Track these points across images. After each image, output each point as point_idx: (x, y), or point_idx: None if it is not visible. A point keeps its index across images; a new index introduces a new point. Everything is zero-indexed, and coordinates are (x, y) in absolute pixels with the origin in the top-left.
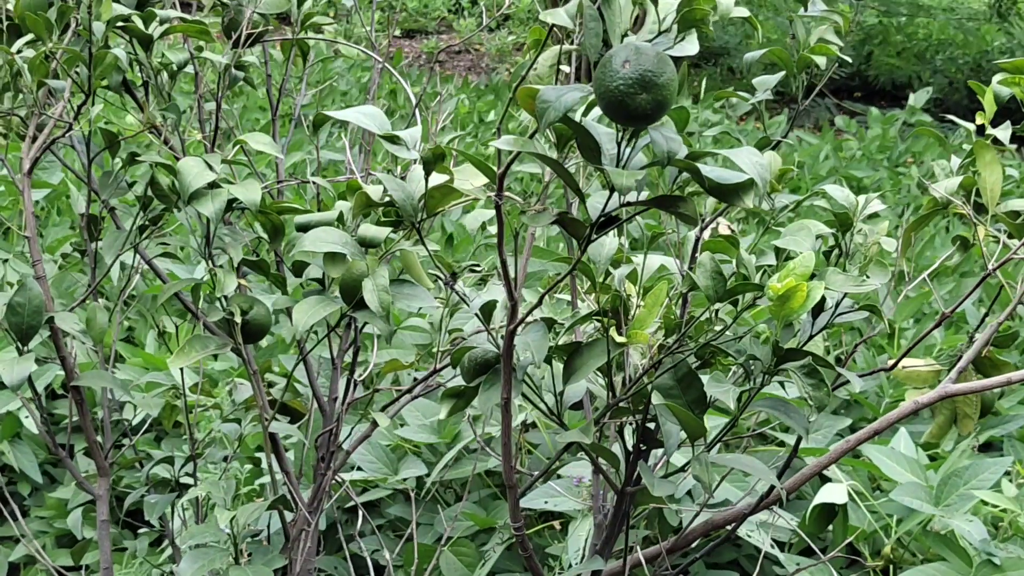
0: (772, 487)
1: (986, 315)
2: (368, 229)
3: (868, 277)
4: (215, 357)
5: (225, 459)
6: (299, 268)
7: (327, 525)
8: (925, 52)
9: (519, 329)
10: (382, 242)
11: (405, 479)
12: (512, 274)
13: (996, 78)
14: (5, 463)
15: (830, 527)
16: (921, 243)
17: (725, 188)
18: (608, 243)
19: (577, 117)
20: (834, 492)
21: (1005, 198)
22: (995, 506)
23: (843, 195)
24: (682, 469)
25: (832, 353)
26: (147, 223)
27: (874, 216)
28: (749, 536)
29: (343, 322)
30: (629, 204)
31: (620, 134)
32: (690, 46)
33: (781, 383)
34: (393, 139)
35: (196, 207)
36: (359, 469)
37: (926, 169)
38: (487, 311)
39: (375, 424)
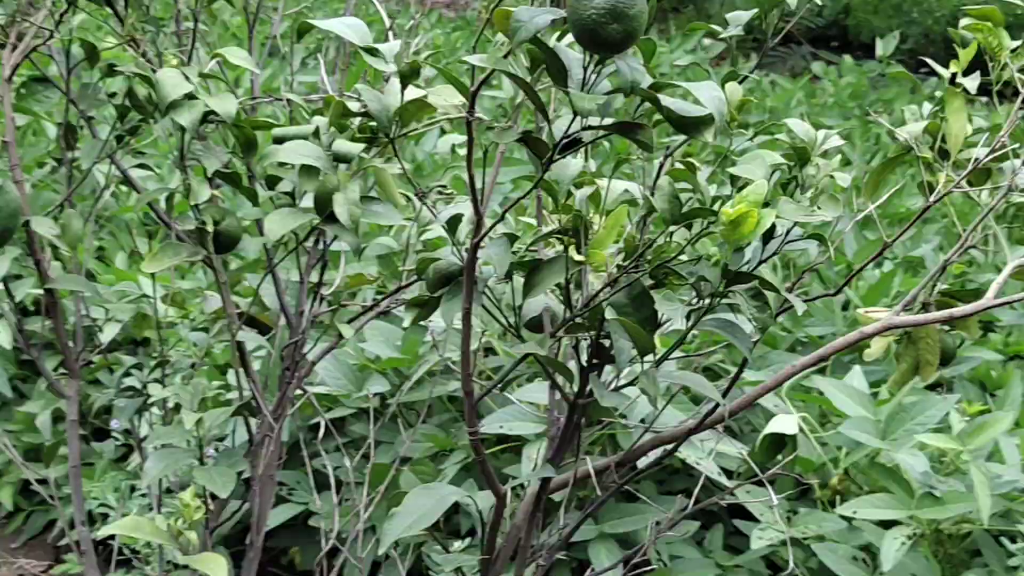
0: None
1: (946, 261)
2: (342, 144)
3: (819, 208)
4: (183, 276)
5: (192, 366)
6: (272, 182)
7: (292, 442)
8: (903, 4)
9: (483, 243)
10: (356, 158)
11: (370, 396)
12: (479, 189)
13: (963, 22)
14: None
15: (779, 457)
16: (891, 190)
17: (686, 121)
18: (573, 164)
19: (553, 43)
20: (784, 423)
21: (971, 148)
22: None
23: (803, 129)
24: (632, 383)
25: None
26: (124, 134)
27: (828, 153)
28: (698, 463)
29: (311, 238)
30: (590, 128)
31: (588, 60)
32: None
33: (731, 307)
34: (372, 51)
35: (173, 117)
36: (324, 384)
37: (896, 118)
38: (453, 224)
39: (340, 336)
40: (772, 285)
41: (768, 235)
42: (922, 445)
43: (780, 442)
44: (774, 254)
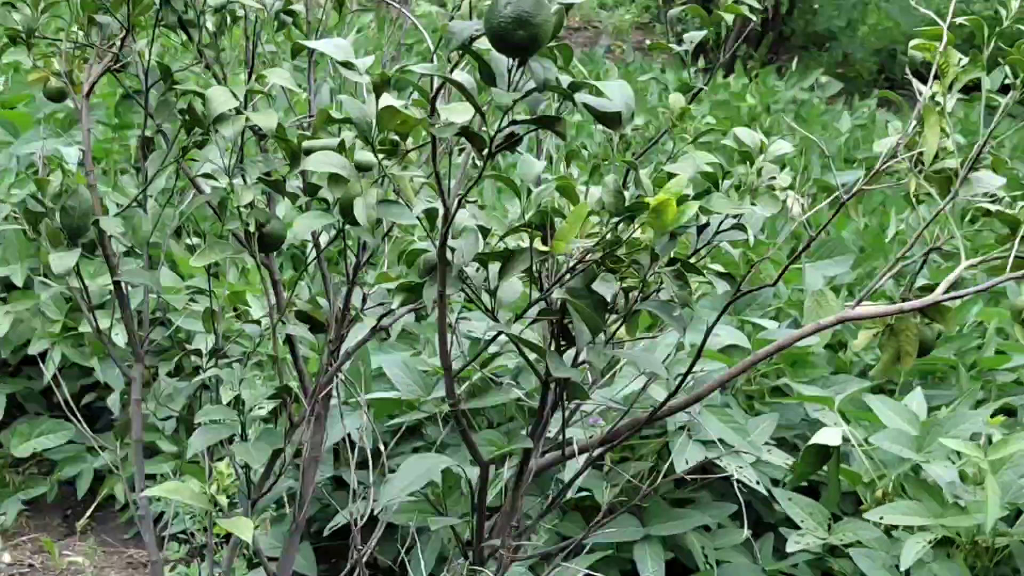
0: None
1: (926, 256)
2: (363, 155)
3: (754, 204)
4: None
5: (245, 354)
6: (312, 189)
7: (374, 446)
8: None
9: (456, 234)
10: (375, 166)
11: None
12: (446, 187)
13: (913, 42)
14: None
15: (824, 468)
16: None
17: (606, 116)
18: (536, 165)
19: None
20: (828, 435)
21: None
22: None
23: (749, 136)
24: (585, 363)
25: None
26: (191, 145)
27: (779, 158)
28: (739, 470)
29: (360, 242)
30: (516, 122)
31: (511, 64)
32: None
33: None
34: (347, 65)
35: (218, 129)
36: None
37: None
38: (430, 217)
39: (374, 329)
40: (692, 267)
41: (705, 227)
42: (951, 456)
43: (825, 454)
44: (709, 243)
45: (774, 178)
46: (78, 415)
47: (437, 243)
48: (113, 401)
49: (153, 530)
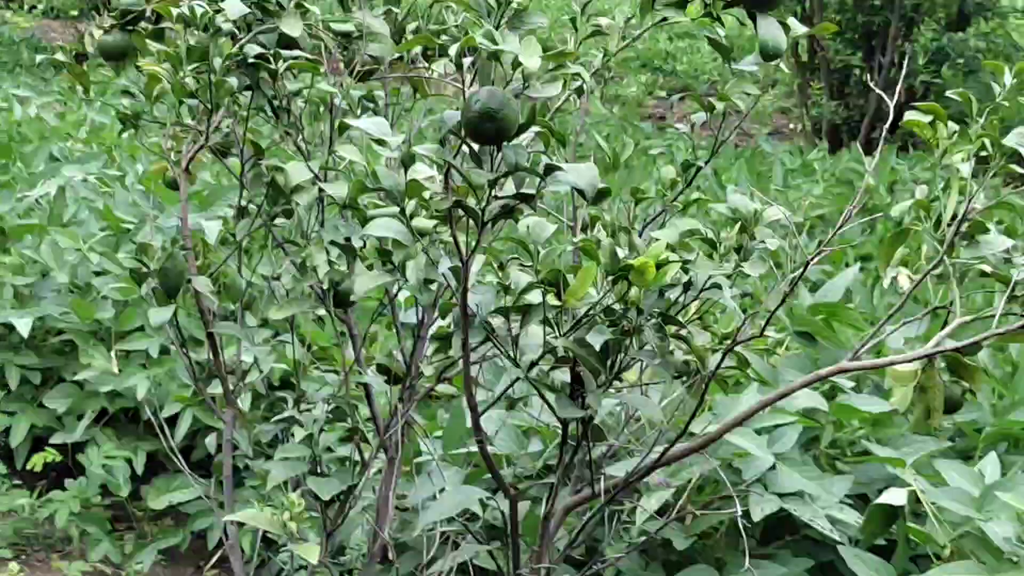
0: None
1: (926, 314)
2: (419, 221)
3: (742, 266)
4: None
5: (325, 400)
6: (384, 252)
7: None
8: None
9: (476, 290)
10: (431, 231)
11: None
12: (463, 248)
13: (908, 114)
14: None
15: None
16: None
17: (578, 190)
18: (547, 228)
19: None
20: (894, 495)
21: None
22: None
23: (742, 202)
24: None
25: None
26: (279, 214)
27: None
28: (811, 521)
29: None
30: (498, 198)
31: (491, 149)
32: (551, 89)
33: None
34: (380, 142)
35: (295, 198)
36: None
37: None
38: (455, 273)
39: (438, 379)
40: (672, 318)
41: (689, 286)
42: (1017, 514)
43: (892, 514)
44: (695, 298)
45: (763, 242)
46: (176, 453)
47: (456, 295)
48: (210, 442)
49: (241, 557)
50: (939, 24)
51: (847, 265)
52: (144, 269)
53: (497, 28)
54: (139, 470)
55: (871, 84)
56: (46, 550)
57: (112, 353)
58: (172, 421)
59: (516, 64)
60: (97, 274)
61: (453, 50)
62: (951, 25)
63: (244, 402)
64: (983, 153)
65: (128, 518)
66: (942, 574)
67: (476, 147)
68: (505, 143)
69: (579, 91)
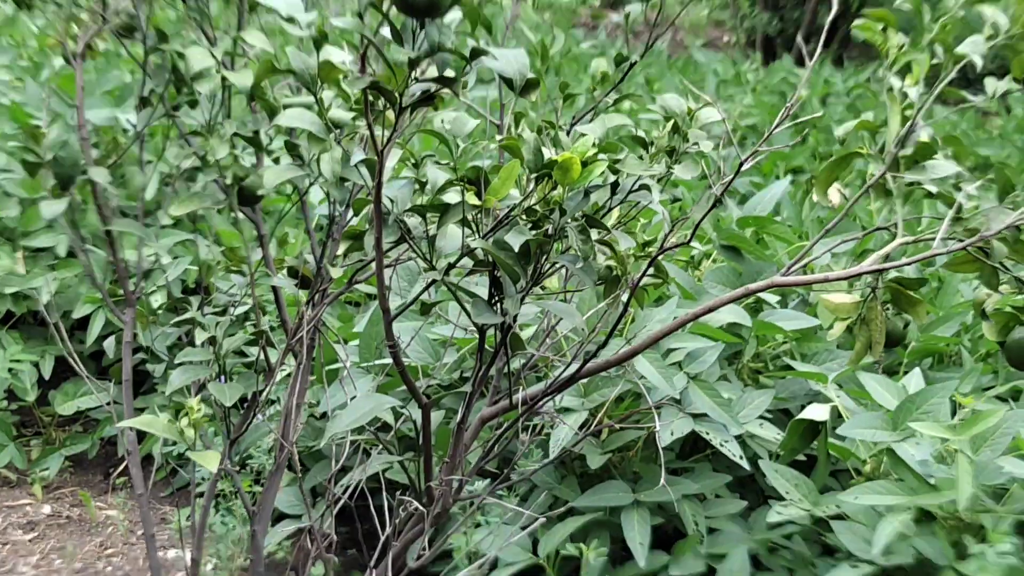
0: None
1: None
2: (336, 113)
3: (672, 168)
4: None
5: (233, 304)
6: (292, 146)
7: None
8: None
9: (392, 185)
10: (349, 123)
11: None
12: (379, 139)
13: (856, 22)
14: None
15: (813, 444)
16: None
17: (505, 79)
18: (470, 122)
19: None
20: (816, 410)
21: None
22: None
23: (676, 102)
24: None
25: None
26: (183, 103)
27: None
28: (721, 446)
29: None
30: (418, 80)
31: (415, 25)
32: None
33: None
34: (291, 20)
35: (196, 86)
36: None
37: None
38: (369, 166)
39: (351, 282)
40: (597, 221)
41: (616, 187)
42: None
43: (815, 430)
44: (622, 201)
45: (696, 144)
46: (77, 359)
47: (369, 192)
48: (109, 345)
49: (140, 464)
50: None
51: (777, 178)
52: (37, 159)
53: None
54: (46, 375)
55: None
56: None
57: (18, 253)
58: (85, 323)
59: None
60: (2, 171)
61: None
62: None
63: (157, 301)
64: (934, 61)
65: (35, 423)
66: (860, 494)
67: (398, 25)
68: (429, 20)
69: None
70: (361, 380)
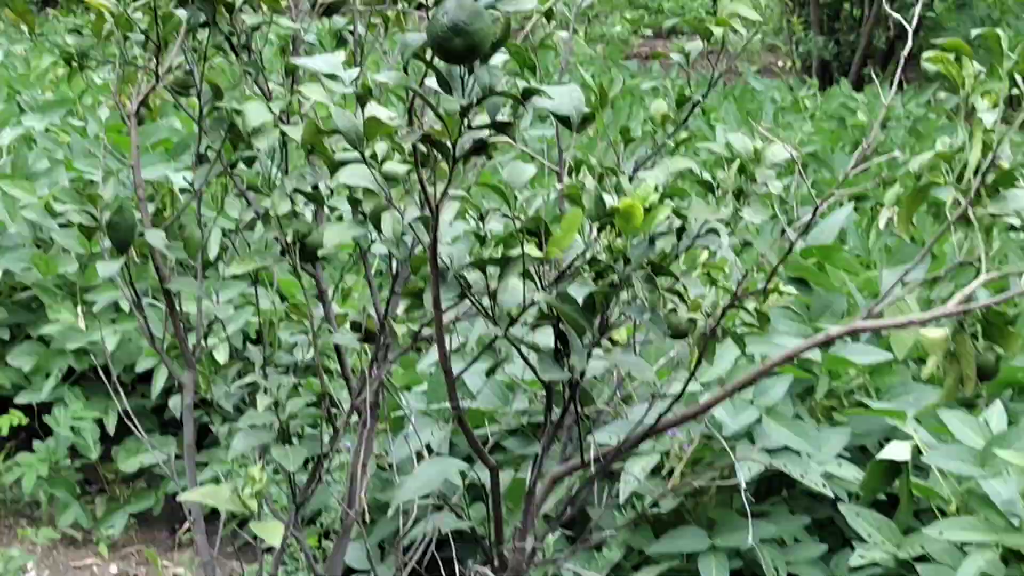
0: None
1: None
2: (391, 166)
3: (740, 211)
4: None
5: (295, 365)
6: (354, 202)
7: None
8: None
9: (449, 241)
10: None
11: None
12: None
13: (926, 54)
14: None
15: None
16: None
17: (561, 118)
18: (527, 170)
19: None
20: (897, 450)
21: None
22: None
23: (739, 141)
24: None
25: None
26: (239, 160)
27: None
28: (801, 477)
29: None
30: (471, 128)
31: (462, 72)
32: (526, 3)
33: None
34: (332, 77)
35: (254, 141)
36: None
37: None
38: (424, 223)
39: (415, 339)
40: (663, 268)
41: (682, 232)
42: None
43: (894, 468)
44: (688, 247)
45: (766, 184)
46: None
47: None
48: (175, 405)
49: (204, 530)
50: None
51: (840, 205)
52: (93, 223)
53: None
54: (110, 431)
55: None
56: (13, 516)
57: (78, 308)
58: (147, 378)
59: None
60: (63, 227)
61: None
62: None
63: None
64: (1014, 92)
65: (99, 480)
66: (944, 528)
67: (444, 73)
68: (478, 63)
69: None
70: (431, 428)
